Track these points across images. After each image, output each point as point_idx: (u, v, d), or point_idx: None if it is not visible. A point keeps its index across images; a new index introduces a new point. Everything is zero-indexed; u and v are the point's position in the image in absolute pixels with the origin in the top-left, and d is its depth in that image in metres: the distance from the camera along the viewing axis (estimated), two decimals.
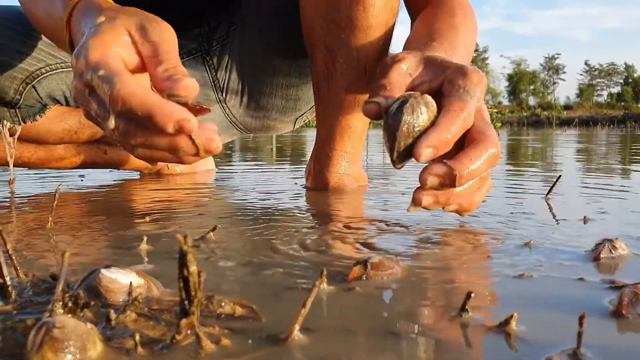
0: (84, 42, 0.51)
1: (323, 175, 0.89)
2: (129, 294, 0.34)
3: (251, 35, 1.07)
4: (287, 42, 1.03)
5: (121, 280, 0.35)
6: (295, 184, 1.09)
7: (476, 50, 47.29)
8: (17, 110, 0.97)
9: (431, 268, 0.45)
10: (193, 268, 0.29)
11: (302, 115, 1.17)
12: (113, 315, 0.31)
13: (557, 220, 0.68)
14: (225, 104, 1.19)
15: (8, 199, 0.89)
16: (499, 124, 12.83)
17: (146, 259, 0.49)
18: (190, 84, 0.48)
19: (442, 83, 0.56)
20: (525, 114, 21.19)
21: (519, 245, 0.53)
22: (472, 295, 0.33)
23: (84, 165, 1.14)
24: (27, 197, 0.93)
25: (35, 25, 0.81)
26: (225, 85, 1.12)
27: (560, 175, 0.89)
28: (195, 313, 0.29)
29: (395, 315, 0.35)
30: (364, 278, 0.41)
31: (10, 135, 0.98)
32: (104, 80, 0.47)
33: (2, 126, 0.98)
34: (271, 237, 0.57)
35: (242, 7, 1.09)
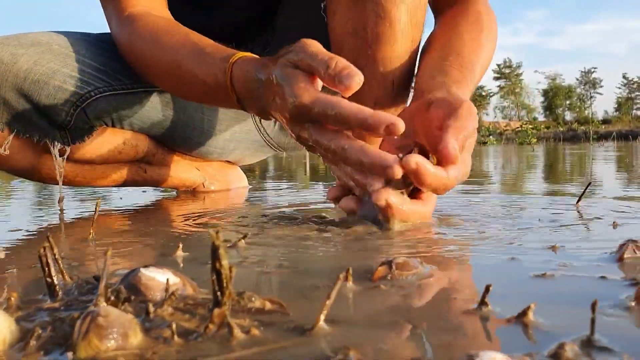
0: (285, 94, 0.64)
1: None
2: (166, 290, 0.36)
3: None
4: None
5: (159, 278, 0.38)
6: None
7: (510, 67, 46.85)
8: (67, 131, 1.01)
9: (455, 269, 0.47)
10: (225, 262, 0.31)
11: None
12: (152, 308, 0.33)
13: (586, 226, 0.68)
14: (260, 123, 1.22)
15: (57, 214, 0.94)
16: (535, 140, 12.64)
17: (181, 264, 0.51)
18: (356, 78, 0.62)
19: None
20: (561, 129, 20.84)
21: (545, 247, 0.54)
22: (491, 288, 0.35)
23: (124, 183, 1.18)
24: (74, 212, 0.97)
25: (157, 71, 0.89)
26: None
27: (590, 183, 0.89)
28: (227, 304, 0.31)
29: (417, 310, 0.37)
30: (389, 278, 0.43)
31: (60, 156, 1.02)
32: (323, 112, 0.62)
33: (53, 147, 1.02)
34: (301, 242, 0.59)
35: (275, 28, 1.13)
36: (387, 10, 0.77)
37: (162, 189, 1.34)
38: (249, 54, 0.76)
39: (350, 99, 0.89)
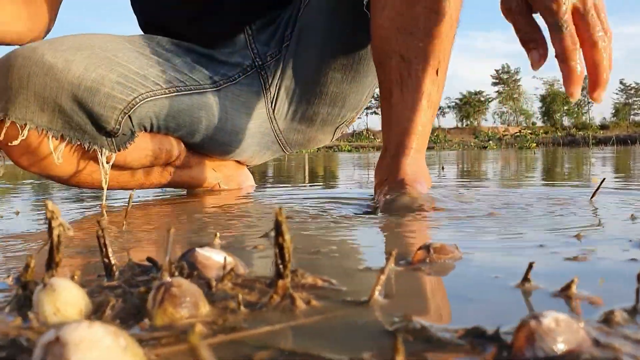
0: None
1: (398, 171, 0.90)
2: (224, 267, 0.38)
3: (306, 50, 1.13)
4: (343, 53, 1.09)
5: (215, 257, 0.39)
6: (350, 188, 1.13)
7: (508, 72, 46.94)
8: (113, 138, 1.01)
9: (491, 252, 0.49)
10: (287, 236, 0.33)
11: (342, 123, 1.23)
12: (213, 282, 0.35)
13: (604, 219, 0.70)
14: (274, 115, 1.23)
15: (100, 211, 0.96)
16: (534, 145, 12.68)
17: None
18: None
19: None
20: (560, 134, 20.91)
21: (570, 236, 0.56)
22: (534, 265, 0.36)
23: (151, 185, 1.19)
24: (112, 211, 0.99)
25: None
26: (275, 97, 1.18)
27: (604, 179, 0.91)
28: (289, 276, 0.33)
29: (461, 286, 0.38)
30: (427, 261, 0.45)
31: (107, 163, 1.02)
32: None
33: (102, 154, 1.02)
34: (334, 230, 0.61)
35: (295, 25, 1.15)
36: (441, 7, 0.83)
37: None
38: None
39: (395, 90, 0.92)
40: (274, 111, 1.19)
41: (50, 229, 0.35)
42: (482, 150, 9.47)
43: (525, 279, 0.37)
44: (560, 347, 0.24)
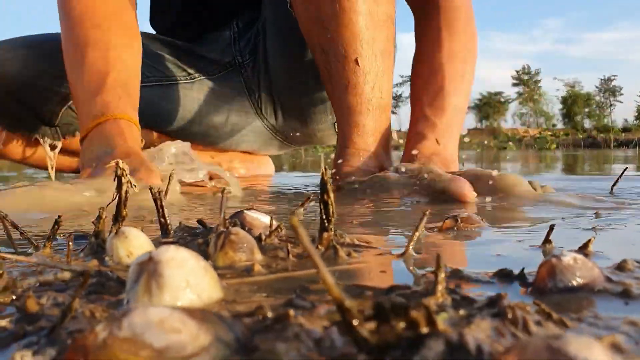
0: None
1: (340, 171, 0.86)
2: (270, 225, 0.42)
3: (275, 43, 1.13)
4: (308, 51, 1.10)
5: (261, 219, 0.43)
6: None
7: (528, 73, 46.48)
8: (57, 128, 1.09)
9: (514, 226, 0.52)
10: (331, 194, 0.37)
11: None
12: (263, 236, 0.39)
13: (626, 203, 0.73)
14: (262, 114, 1.26)
15: None
16: (554, 146, 12.58)
17: None
18: None
19: None
20: (580, 136, 20.71)
21: (590, 214, 0.59)
22: (554, 226, 0.40)
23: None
24: None
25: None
26: (259, 95, 1.21)
27: (626, 168, 0.93)
28: (332, 230, 0.37)
29: (486, 247, 0.42)
30: (455, 229, 0.48)
31: (52, 150, 1.10)
32: None
33: (43, 142, 1.10)
34: (379, 202, 0.65)
35: (262, 15, 1.17)
36: None
37: None
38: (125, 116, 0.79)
39: (327, 86, 0.86)
40: (261, 110, 1.22)
41: (119, 186, 0.39)
42: (501, 151, 9.42)
43: (547, 240, 0.40)
44: (577, 280, 0.28)
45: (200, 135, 1.25)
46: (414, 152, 0.83)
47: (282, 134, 1.28)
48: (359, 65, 0.81)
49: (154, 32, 1.27)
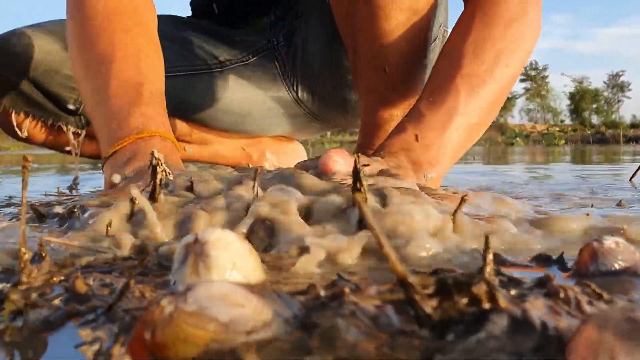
0: None
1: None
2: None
3: (314, 26, 1.09)
4: None
5: None
6: None
7: (535, 69, 46.33)
8: (80, 116, 1.09)
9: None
10: (364, 182, 0.37)
11: None
12: None
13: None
14: (299, 98, 1.24)
15: None
16: (562, 142, 12.54)
17: None
18: None
19: None
20: (589, 132, 20.62)
21: (613, 202, 0.59)
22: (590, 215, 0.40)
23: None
24: None
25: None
26: (296, 80, 1.19)
27: None
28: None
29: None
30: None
31: (75, 137, 1.11)
32: None
33: (67, 130, 1.11)
34: None
35: (302, 11, 1.15)
36: None
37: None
38: (161, 133, 0.65)
39: (356, 82, 0.83)
40: (297, 94, 1.21)
41: (154, 173, 0.40)
42: (507, 147, 9.41)
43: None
44: (619, 263, 0.28)
45: (233, 124, 1.23)
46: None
47: (325, 118, 1.26)
48: (386, 74, 0.77)
49: (184, 15, 1.26)
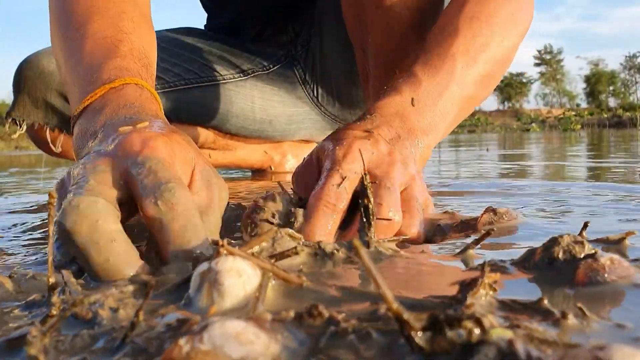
0: None
1: None
2: None
3: (329, 31, 1.12)
4: None
5: None
6: None
7: (550, 52, 45.76)
8: None
9: (552, 218, 0.53)
10: (371, 198, 0.38)
11: None
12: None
13: None
14: (319, 103, 1.26)
15: None
16: (579, 126, 12.42)
17: None
18: None
19: None
20: (605, 115, 20.38)
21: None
22: (588, 224, 0.41)
23: None
24: None
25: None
26: (316, 85, 1.21)
27: None
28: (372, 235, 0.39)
29: (526, 237, 0.43)
30: (492, 222, 0.49)
31: None
32: None
33: None
34: None
35: (317, 7, 1.16)
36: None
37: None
38: (139, 82, 0.54)
39: (365, 85, 0.83)
40: (318, 100, 1.23)
41: None
42: (523, 133, 9.35)
43: (581, 234, 0.41)
44: (613, 277, 0.29)
45: (256, 131, 1.26)
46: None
47: (341, 119, 1.28)
48: (396, 73, 0.71)
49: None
